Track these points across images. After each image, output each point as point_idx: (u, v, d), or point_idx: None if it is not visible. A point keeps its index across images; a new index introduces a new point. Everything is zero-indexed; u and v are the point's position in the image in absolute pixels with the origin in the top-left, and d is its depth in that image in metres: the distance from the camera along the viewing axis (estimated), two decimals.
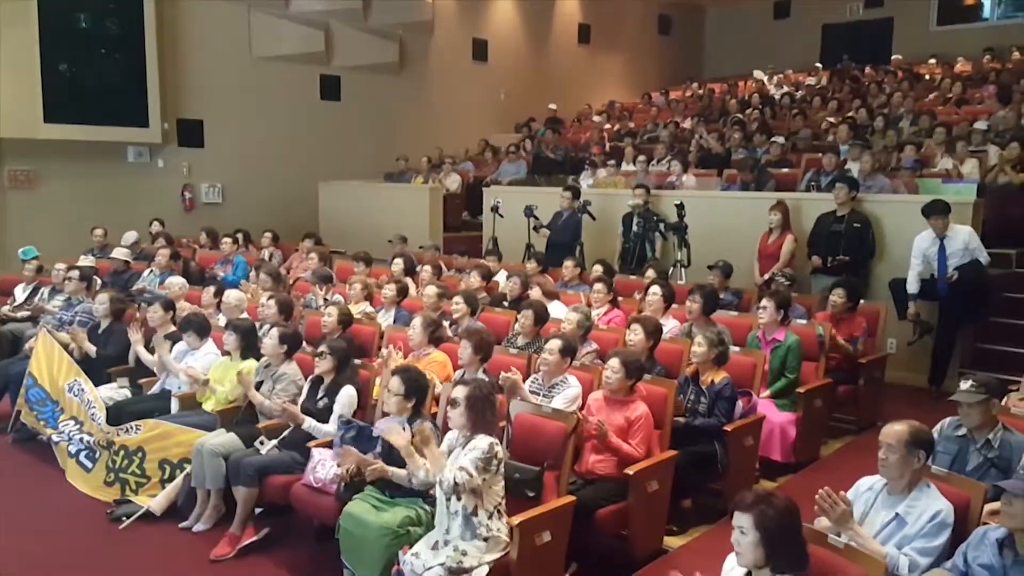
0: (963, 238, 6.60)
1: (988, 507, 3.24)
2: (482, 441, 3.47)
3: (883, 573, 2.71)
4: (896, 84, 12.91)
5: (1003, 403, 4.15)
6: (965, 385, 3.69)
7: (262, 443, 4.51)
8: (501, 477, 3.53)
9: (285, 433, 4.57)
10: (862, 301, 6.55)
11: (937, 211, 6.59)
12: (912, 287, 6.79)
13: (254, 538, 4.42)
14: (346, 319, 5.83)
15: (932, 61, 15.10)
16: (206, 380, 5.24)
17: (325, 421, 4.59)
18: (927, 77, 13.62)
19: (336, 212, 12.65)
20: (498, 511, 3.51)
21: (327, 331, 5.66)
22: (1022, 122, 9.88)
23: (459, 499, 3.42)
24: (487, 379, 4.39)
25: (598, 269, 7.08)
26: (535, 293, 6.53)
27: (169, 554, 4.39)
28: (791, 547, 2.62)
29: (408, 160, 13.37)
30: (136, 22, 11.21)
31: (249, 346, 5.32)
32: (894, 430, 3.14)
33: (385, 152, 13.66)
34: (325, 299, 7.03)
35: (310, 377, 4.87)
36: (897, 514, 3.11)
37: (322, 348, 4.75)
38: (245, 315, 6.18)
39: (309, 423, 4.51)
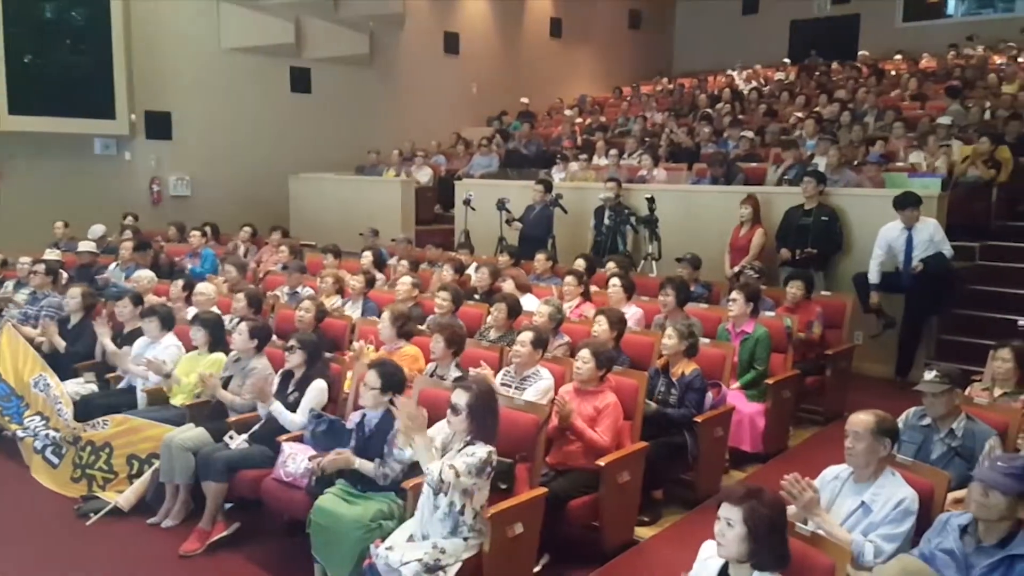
0: (930, 231, 6.74)
1: (951, 495, 3.31)
2: (481, 449, 3.43)
3: (849, 560, 2.75)
4: (862, 80, 13.06)
5: (966, 393, 4.24)
6: (929, 376, 3.75)
7: (232, 438, 4.46)
8: (489, 483, 3.53)
9: (255, 428, 4.53)
10: (828, 293, 6.73)
11: (910, 203, 6.74)
12: (873, 277, 6.92)
13: (224, 533, 4.39)
14: (322, 315, 5.80)
15: (898, 57, 15.31)
16: (169, 373, 5.18)
17: None
18: (893, 73, 13.80)
19: (307, 205, 12.56)
20: (482, 511, 3.51)
21: (302, 326, 5.62)
22: (985, 116, 10.05)
23: (445, 495, 3.39)
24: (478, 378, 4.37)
25: (580, 263, 7.11)
26: (508, 286, 6.54)
27: (137, 550, 4.34)
28: (776, 544, 2.61)
29: (379, 153, 13.30)
30: (102, 13, 11.02)
31: (217, 340, 5.26)
32: (861, 419, 3.20)
33: (356, 145, 13.57)
34: (295, 292, 6.99)
35: (280, 371, 4.83)
36: (863, 502, 3.16)
37: (292, 342, 4.71)
38: (215, 309, 6.12)
39: (276, 406, 4.48)
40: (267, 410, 4.55)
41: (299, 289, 7.16)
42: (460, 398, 3.51)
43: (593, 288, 6.71)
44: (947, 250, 6.78)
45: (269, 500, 4.27)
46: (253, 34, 12.75)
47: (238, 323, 5.15)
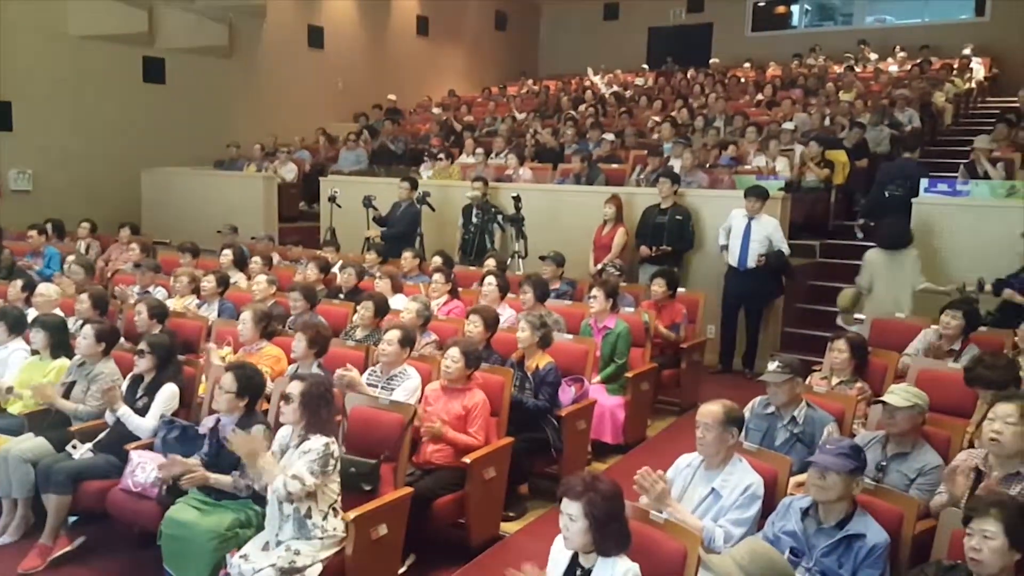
0: (769, 229, 7.19)
1: (793, 479, 3.52)
2: (317, 442, 3.37)
3: (699, 545, 2.88)
4: (712, 86, 13.69)
5: (807, 382, 4.51)
6: (772, 366, 3.98)
7: (75, 447, 4.22)
8: (337, 476, 3.47)
9: (101, 436, 4.29)
10: (683, 289, 6.97)
11: (756, 194, 7.21)
12: (722, 239, 7.41)
13: (68, 548, 4.13)
14: (159, 313, 5.53)
15: (747, 65, 16.14)
16: (9, 388, 4.82)
17: None
18: (742, 80, 14.54)
19: (161, 201, 11.96)
20: (333, 510, 3.45)
21: (143, 329, 5.34)
22: (825, 123, 10.75)
23: (291, 503, 3.33)
24: (323, 374, 4.31)
25: (437, 260, 7.10)
26: (383, 285, 6.44)
27: None
28: (617, 530, 2.73)
29: (240, 147, 12.84)
30: None
31: (59, 344, 4.95)
32: (709, 410, 3.35)
33: (215, 139, 13.03)
34: (147, 291, 6.66)
35: (129, 375, 4.58)
36: (713, 488, 3.32)
37: (141, 346, 4.47)
38: (58, 311, 5.74)
39: (124, 411, 4.26)
40: (114, 417, 4.31)
41: (151, 289, 6.82)
42: (293, 388, 3.47)
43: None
44: (785, 248, 7.26)
45: (117, 512, 4.05)
46: (102, 21, 11.97)
47: (82, 326, 4.85)
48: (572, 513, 2.70)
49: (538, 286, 5.95)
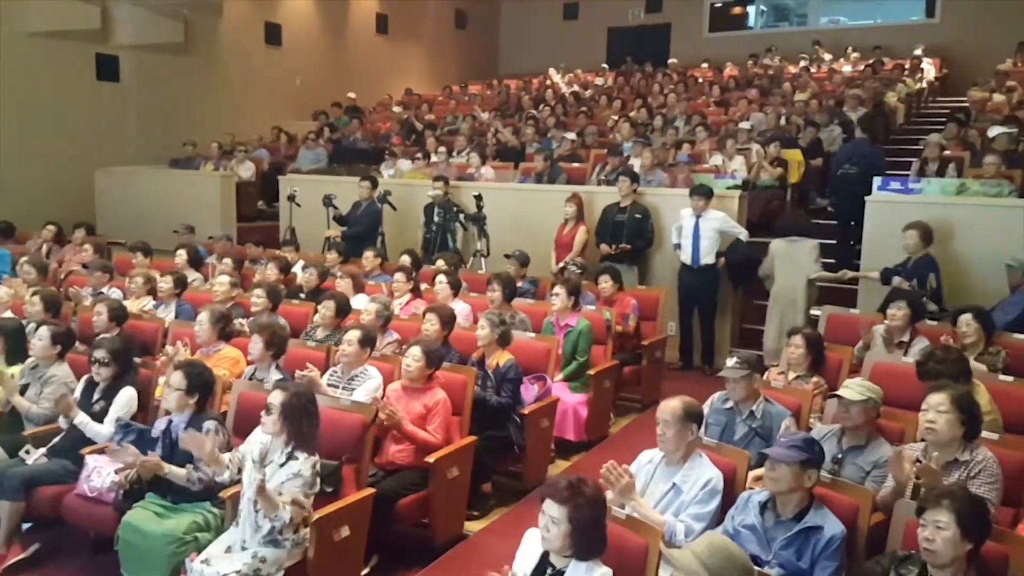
0: (716, 223, 7.30)
1: (752, 473, 3.57)
2: (305, 464, 3.35)
3: (661, 540, 2.91)
4: (672, 86, 13.82)
5: (764, 377, 4.58)
6: (731, 362, 4.04)
7: (28, 452, 4.13)
8: (315, 491, 3.45)
9: (55, 440, 4.20)
10: (643, 286, 7.11)
11: (700, 192, 7.32)
12: (675, 238, 7.53)
13: (21, 556, 4.06)
14: (119, 315, 5.43)
15: (704, 65, 16.31)
16: None
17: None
18: (699, 80, 14.69)
19: (116, 201, 11.71)
20: (304, 522, 3.42)
21: (100, 331, 5.24)
22: (781, 122, 10.91)
23: (272, 522, 3.29)
24: (288, 379, 4.27)
25: (406, 259, 7.07)
26: (345, 284, 6.40)
27: None
28: (597, 535, 2.72)
29: (196, 146, 12.64)
30: None
31: (15, 349, 4.83)
32: (669, 407, 3.39)
33: (171, 137, 12.79)
34: (101, 293, 6.53)
35: (84, 378, 4.49)
36: (674, 484, 3.35)
37: (100, 355, 4.34)
38: (10, 314, 5.61)
39: (81, 418, 4.17)
40: (69, 422, 4.22)
41: (104, 290, 6.69)
42: (275, 398, 3.43)
43: (423, 285, 6.71)
44: (742, 234, 7.40)
45: (72, 517, 3.98)
46: (54, 17, 11.66)
47: (37, 328, 4.75)
48: (555, 516, 2.66)
49: (507, 284, 5.97)
